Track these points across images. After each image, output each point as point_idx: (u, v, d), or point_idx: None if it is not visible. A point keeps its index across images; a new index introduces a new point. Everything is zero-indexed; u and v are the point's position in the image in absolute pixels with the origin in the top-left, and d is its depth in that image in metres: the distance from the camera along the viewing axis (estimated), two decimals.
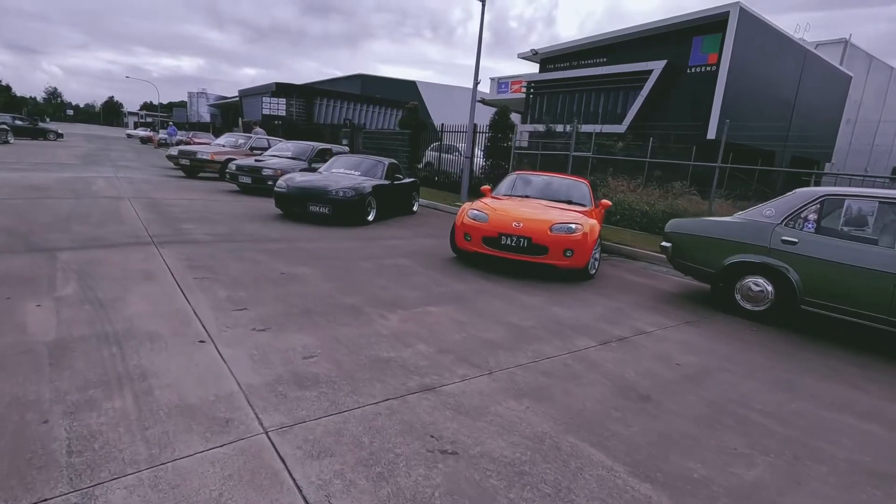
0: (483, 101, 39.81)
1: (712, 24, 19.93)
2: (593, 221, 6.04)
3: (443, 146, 19.17)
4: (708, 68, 20.42)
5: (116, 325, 3.31)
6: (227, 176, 11.86)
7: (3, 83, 75.99)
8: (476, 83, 13.16)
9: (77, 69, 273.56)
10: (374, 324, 3.82)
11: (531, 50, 26.91)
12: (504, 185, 7.58)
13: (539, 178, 7.61)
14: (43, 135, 30.13)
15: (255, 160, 11.96)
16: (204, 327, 3.39)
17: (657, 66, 21.53)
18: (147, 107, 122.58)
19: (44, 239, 5.55)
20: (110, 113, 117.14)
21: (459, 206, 12.04)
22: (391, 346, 3.42)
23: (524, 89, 39.26)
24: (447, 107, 53.57)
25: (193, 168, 13.96)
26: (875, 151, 30.17)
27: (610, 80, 23.45)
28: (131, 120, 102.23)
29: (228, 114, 69.22)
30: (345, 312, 3.99)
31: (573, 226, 5.78)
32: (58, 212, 7.27)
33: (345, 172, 9.56)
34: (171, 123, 33.95)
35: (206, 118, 69.58)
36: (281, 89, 39.30)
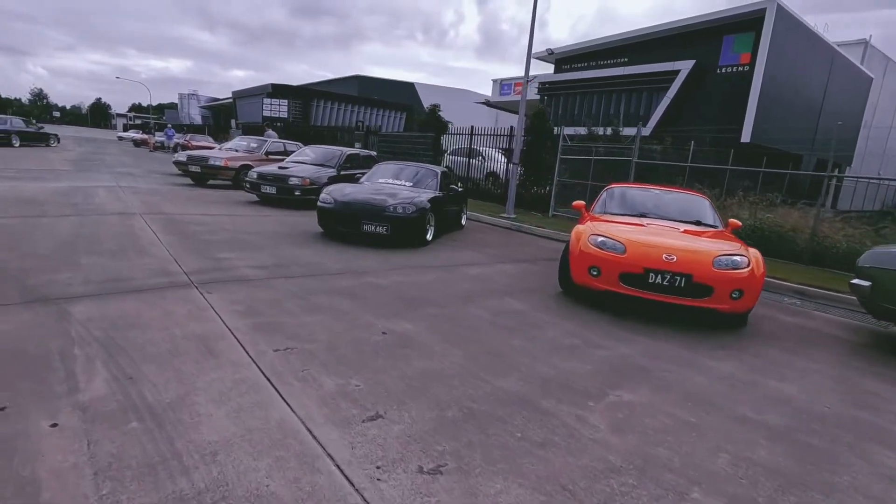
0: (487, 104, 38.62)
1: (745, 23, 18.84)
2: (755, 251, 4.71)
3: (463, 150, 17.85)
4: (740, 68, 19.33)
5: (195, 476, 1.89)
6: (247, 185, 10.36)
7: None
8: (527, 81, 11.81)
9: (63, 70, 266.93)
10: (579, 436, 2.44)
11: (547, 50, 25.66)
12: (606, 201, 6.23)
13: (647, 193, 6.28)
14: (45, 140, 27.53)
15: (279, 167, 10.48)
16: (344, 474, 1.98)
17: (685, 67, 20.40)
18: (136, 108, 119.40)
19: (47, 281, 4.08)
20: (98, 115, 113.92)
21: (509, 220, 10.83)
22: (652, 492, 2.05)
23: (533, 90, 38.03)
24: (445, 109, 52.35)
25: (204, 175, 12.43)
26: (886, 156, 29.41)
27: (632, 81, 22.28)
28: (120, 122, 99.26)
29: (220, 115, 67.22)
30: (523, 415, 2.60)
31: (737, 258, 4.45)
32: (59, 236, 5.77)
33: (395, 183, 8.15)
34: (169, 126, 32.07)
35: (198, 120, 67.46)
36: (277, 90, 37.68)
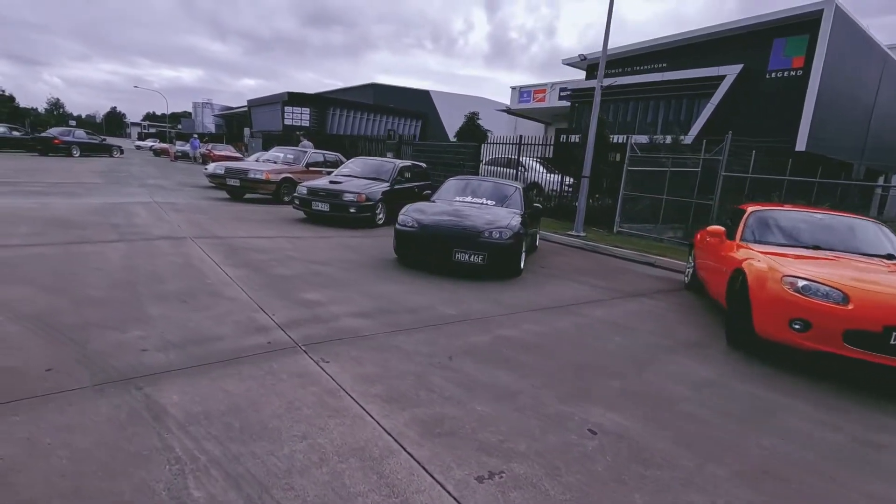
0: (508, 111, 37.70)
1: (798, 25, 17.76)
2: None
3: (501, 160, 16.87)
4: (792, 73, 18.22)
5: None
6: (296, 201, 9.39)
7: (7, 94, 72.97)
8: (600, 85, 10.81)
9: (78, 80, 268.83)
10: None
11: (579, 55, 24.70)
12: (755, 227, 5.17)
13: (808, 219, 5.21)
14: (108, 151, 27.87)
15: (330, 182, 9.50)
16: None
17: (731, 72, 19.34)
18: (150, 117, 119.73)
19: (115, 344, 3.08)
20: (113, 123, 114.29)
21: (579, 238, 9.75)
22: None
23: (547, 98, 37.24)
24: (461, 116, 51.46)
25: (242, 189, 11.48)
26: None
27: (672, 87, 21.23)
28: (134, 130, 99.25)
29: (233, 124, 66.83)
30: None
31: None
32: (110, 270, 4.79)
33: (476, 202, 7.13)
34: (194, 136, 31.27)
35: (212, 128, 67.10)
36: (293, 98, 37.00)
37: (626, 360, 3.70)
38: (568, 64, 26.07)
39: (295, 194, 9.44)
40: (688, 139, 19.77)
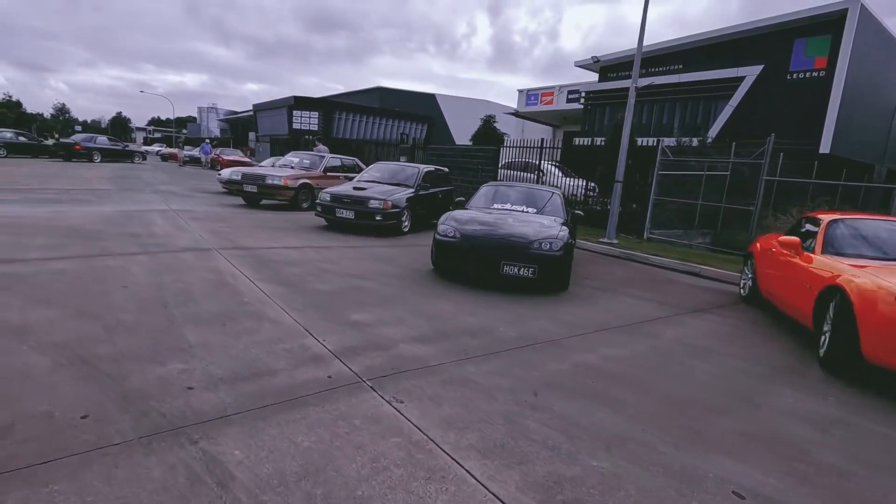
0: (516, 114, 37.33)
1: (821, 25, 17.33)
2: None
3: (517, 164, 16.46)
4: (814, 74, 17.79)
5: None
6: (319, 208, 8.98)
7: (14, 99, 72.96)
8: (634, 85, 10.41)
9: (84, 86, 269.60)
10: None
11: (592, 57, 24.30)
12: (836, 238, 4.73)
13: (892, 226, 4.78)
14: (130, 157, 28.10)
15: (354, 188, 9.10)
16: None
17: (750, 73, 18.92)
18: (155, 122, 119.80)
19: (157, 381, 2.66)
20: (118, 128, 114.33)
21: (613, 246, 9.31)
22: None
23: (555, 101, 36.84)
24: (467, 120, 50.99)
25: (259, 196, 11.09)
26: None
27: (689, 89, 20.81)
28: (139, 135, 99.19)
29: (238, 128, 66.67)
30: None
31: None
32: (137, 288, 4.38)
33: (517, 210, 6.71)
34: (206, 141, 30.88)
35: (216, 133, 67.14)
36: (300, 103, 36.73)
37: (724, 392, 3.26)
38: (580, 66, 25.68)
39: (317, 201, 9.04)
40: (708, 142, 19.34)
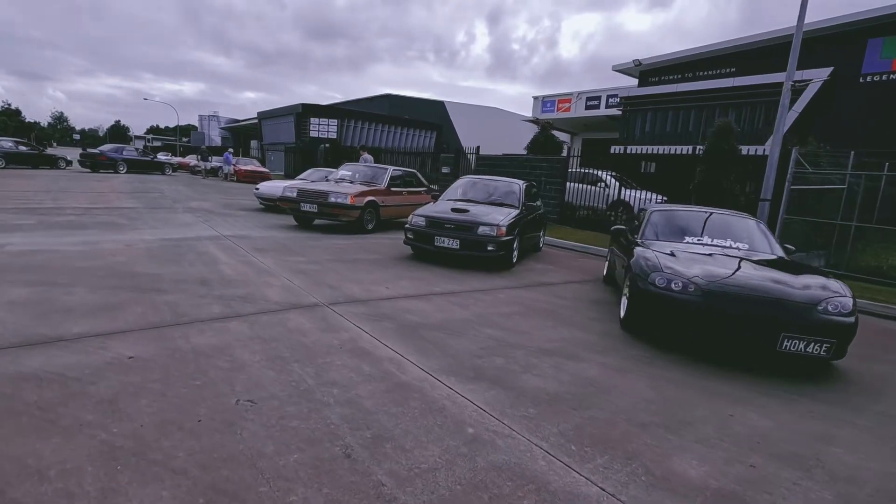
0: (536, 122, 35.74)
1: None
2: None
3: (576, 175, 14.78)
4: (893, 76, 16.26)
5: None
6: (410, 235, 7.18)
7: (14, 107, 70.56)
8: (791, 82, 8.73)
9: (82, 94, 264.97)
10: None
11: (634, 61, 22.72)
12: None
13: None
14: (160, 169, 26.69)
15: (453, 210, 7.29)
16: None
17: (817, 76, 17.34)
18: (153, 130, 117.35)
19: None
20: (117, 137, 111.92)
21: None
22: None
23: (572, 108, 35.32)
24: (476, 128, 49.36)
25: (319, 215, 9.26)
26: None
27: (744, 94, 19.22)
28: (139, 144, 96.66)
29: (240, 137, 64.80)
30: None
31: None
32: (267, 406, 2.55)
33: (724, 244, 4.93)
34: (229, 150, 28.78)
35: (217, 141, 65.26)
36: (308, 110, 35.05)
37: None
38: (618, 70, 24.11)
39: (408, 226, 7.22)
40: (765, 149, 17.68)
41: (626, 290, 4.76)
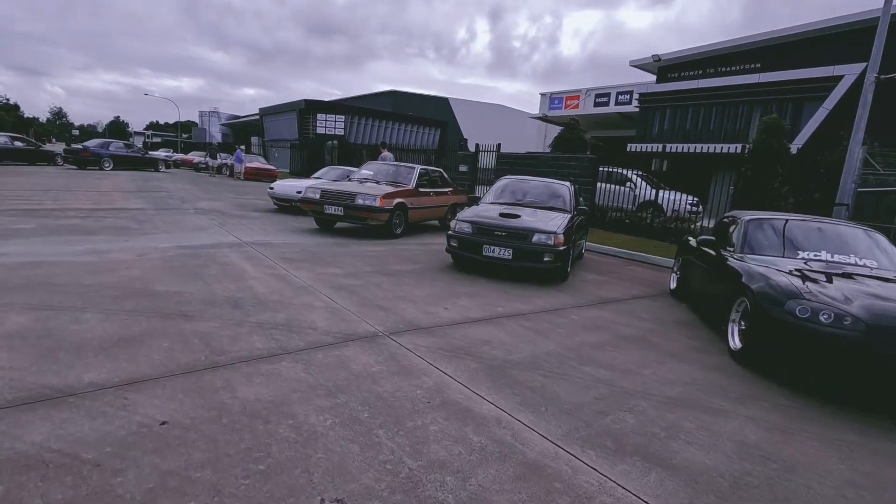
0: (545, 119, 34.94)
1: None
2: None
3: (603, 174, 14.01)
4: None
5: None
6: (454, 243, 6.40)
7: (12, 102, 69.31)
8: (875, 77, 7.96)
9: (80, 90, 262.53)
10: None
11: (653, 56, 21.92)
12: None
13: None
14: (153, 165, 24.78)
15: (501, 214, 6.52)
16: None
17: (850, 71, 16.59)
18: (153, 126, 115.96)
19: None
20: (116, 133, 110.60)
21: None
22: None
23: (581, 105, 34.53)
24: (481, 125, 48.52)
25: (345, 219, 8.48)
26: None
27: (771, 90, 18.46)
28: (138, 140, 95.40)
29: (240, 133, 63.82)
30: None
31: None
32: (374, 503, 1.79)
33: (847, 261, 4.18)
34: (239, 147, 27.68)
35: (218, 137, 64.37)
36: (311, 106, 34.17)
37: None
38: (636, 66, 23.31)
39: (452, 232, 6.44)
40: (796, 148, 16.93)
41: (734, 316, 4.01)
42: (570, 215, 6.86)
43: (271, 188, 11.49)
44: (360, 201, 8.10)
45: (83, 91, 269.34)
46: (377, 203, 8.06)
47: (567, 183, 7.68)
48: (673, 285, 6.31)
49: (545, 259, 5.96)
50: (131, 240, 6.52)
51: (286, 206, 11.21)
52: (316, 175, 12.64)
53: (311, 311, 4.11)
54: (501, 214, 6.49)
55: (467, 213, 6.76)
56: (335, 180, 10.44)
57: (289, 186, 11.27)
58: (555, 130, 37.86)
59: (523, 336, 3.98)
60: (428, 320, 4.16)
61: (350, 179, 9.81)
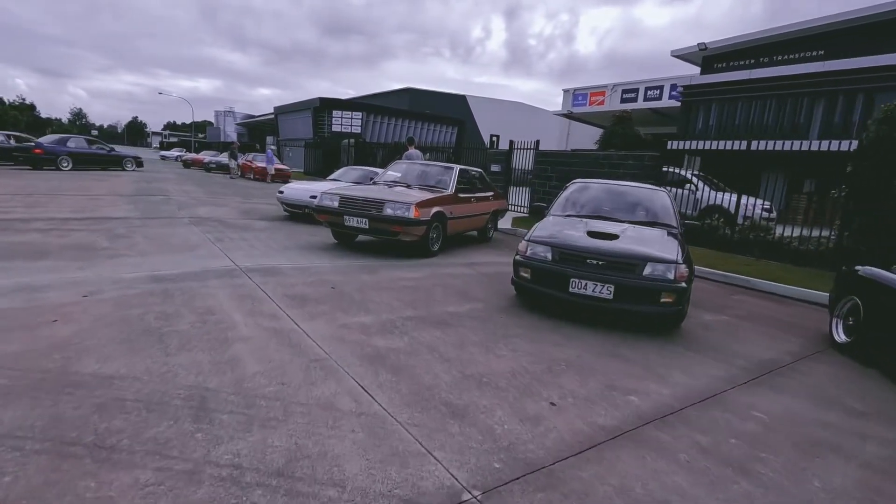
0: (570, 115, 32.75)
1: None
2: None
3: (667, 175, 12.04)
4: None
5: None
6: (524, 272, 4.54)
7: (28, 102, 68.98)
8: None
9: (101, 91, 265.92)
10: None
11: (699, 45, 19.75)
12: None
13: None
14: (118, 163, 20.53)
15: (590, 233, 4.63)
16: None
17: None
18: (170, 126, 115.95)
19: None
20: (134, 133, 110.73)
21: None
22: None
23: (606, 101, 32.35)
24: (500, 123, 46.46)
25: (370, 232, 6.67)
26: None
27: (836, 80, 16.22)
28: (155, 140, 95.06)
29: (255, 132, 62.68)
30: None
31: None
32: None
33: None
34: (270, 147, 25.57)
35: (233, 137, 63.34)
36: (325, 105, 32.52)
37: None
38: (677, 56, 21.14)
39: (522, 258, 4.58)
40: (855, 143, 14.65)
41: None
42: (676, 230, 4.97)
43: (281, 192, 9.74)
44: (389, 211, 6.27)
45: (105, 92, 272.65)
46: (411, 213, 6.23)
47: (664, 189, 5.77)
48: (840, 338, 4.37)
49: (662, 301, 4.07)
50: (88, 267, 4.77)
51: (298, 212, 9.46)
52: (333, 176, 10.86)
53: (334, 427, 2.29)
54: (591, 234, 4.60)
55: (540, 231, 4.87)
56: (355, 182, 8.64)
57: (302, 190, 9.50)
58: (578, 127, 35.69)
59: (706, 475, 2.11)
60: (535, 442, 2.32)
61: (373, 182, 7.99)
